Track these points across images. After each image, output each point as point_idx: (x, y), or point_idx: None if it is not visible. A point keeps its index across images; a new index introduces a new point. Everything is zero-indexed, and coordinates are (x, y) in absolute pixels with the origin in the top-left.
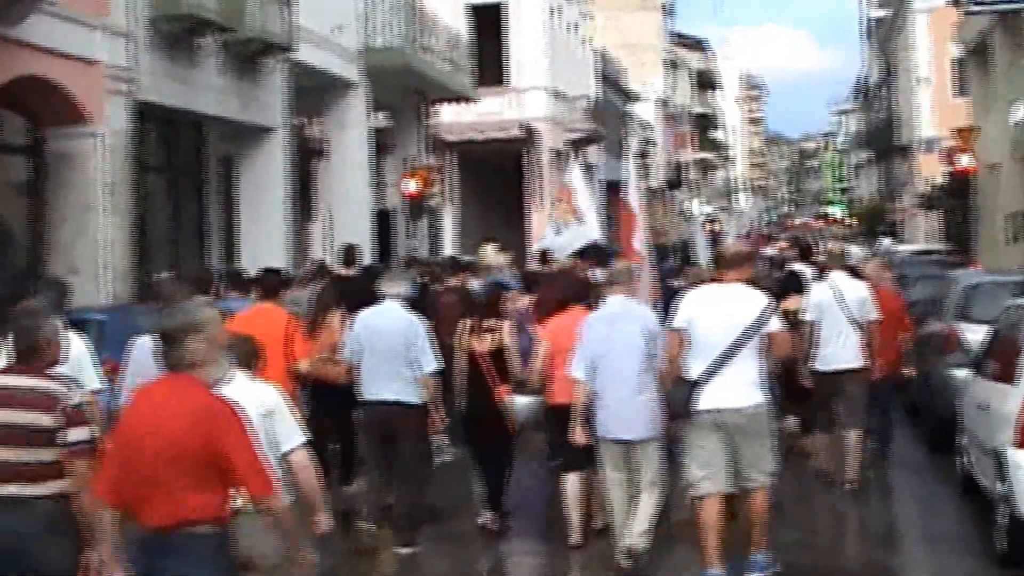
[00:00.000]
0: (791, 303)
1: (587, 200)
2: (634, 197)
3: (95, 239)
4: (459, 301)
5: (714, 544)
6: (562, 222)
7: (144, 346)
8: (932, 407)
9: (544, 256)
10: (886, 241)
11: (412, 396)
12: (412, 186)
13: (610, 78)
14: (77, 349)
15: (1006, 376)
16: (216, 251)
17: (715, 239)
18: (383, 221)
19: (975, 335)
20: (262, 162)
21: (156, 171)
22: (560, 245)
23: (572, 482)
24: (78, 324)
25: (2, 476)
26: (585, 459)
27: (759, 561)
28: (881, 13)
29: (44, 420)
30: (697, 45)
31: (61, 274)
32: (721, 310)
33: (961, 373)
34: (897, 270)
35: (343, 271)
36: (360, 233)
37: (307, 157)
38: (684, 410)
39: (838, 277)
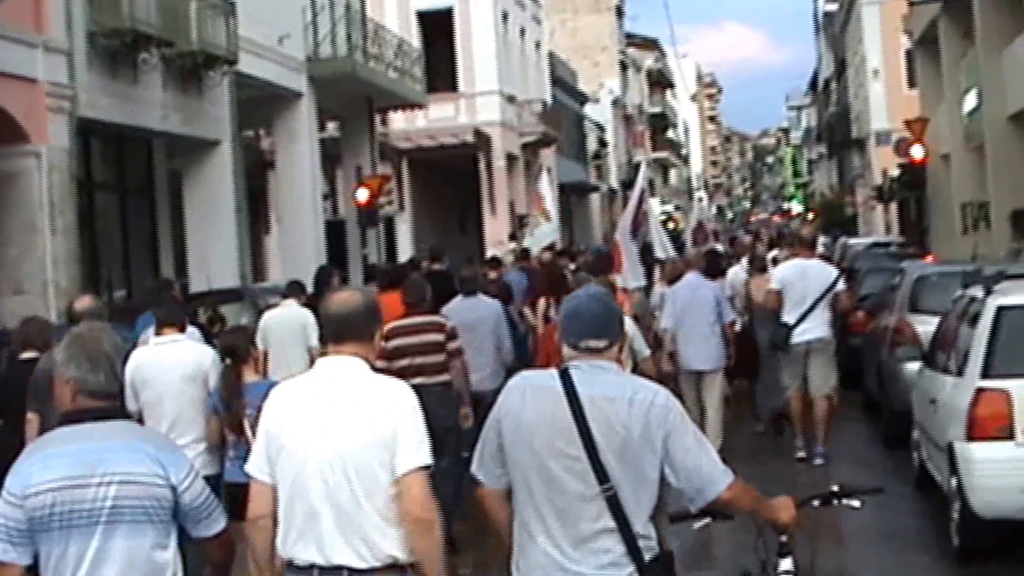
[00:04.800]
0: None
1: (552, 204)
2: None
3: (41, 258)
4: (501, 291)
5: (797, 421)
6: (535, 223)
7: None
8: (886, 401)
9: (524, 253)
10: (843, 239)
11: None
12: (363, 195)
13: (562, 81)
14: None
15: (955, 369)
16: (168, 266)
17: (676, 237)
18: (337, 231)
19: (926, 327)
20: (211, 175)
21: (104, 188)
22: (533, 243)
23: None
24: None
25: (420, 372)
26: None
27: (821, 451)
28: (833, 7)
29: (439, 337)
30: (651, 45)
31: (7, 294)
32: (806, 276)
33: (913, 366)
34: (849, 263)
35: (435, 266)
36: (311, 243)
37: (260, 169)
38: (784, 344)
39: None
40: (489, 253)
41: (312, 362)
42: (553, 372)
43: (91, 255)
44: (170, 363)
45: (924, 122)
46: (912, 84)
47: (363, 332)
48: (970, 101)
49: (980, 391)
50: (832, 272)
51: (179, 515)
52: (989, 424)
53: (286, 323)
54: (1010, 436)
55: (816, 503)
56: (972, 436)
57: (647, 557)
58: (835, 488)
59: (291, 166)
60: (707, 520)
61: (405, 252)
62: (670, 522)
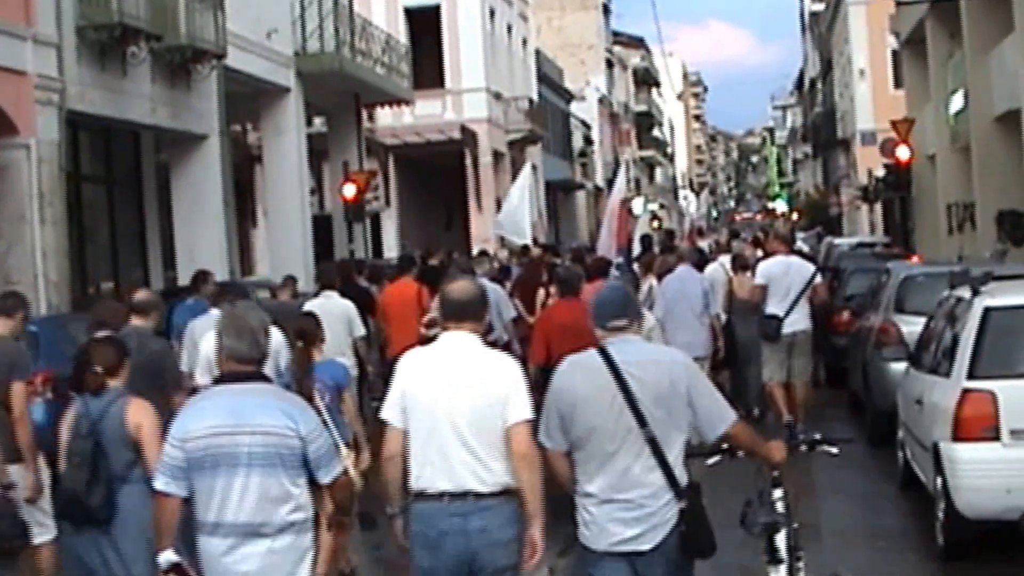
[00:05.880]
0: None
1: (514, 193)
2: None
3: (30, 250)
4: (498, 277)
5: (780, 406)
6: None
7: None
8: (871, 401)
9: (525, 248)
10: (827, 238)
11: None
12: (350, 191)
13: (548, 78)
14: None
15: (941, 369)
16: (155, 259)
17: (669, 235)
18: (324, 226)
19: (911, 327)
20: (198, 169)
21: (92, 181)
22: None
23: None
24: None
25: None
26: None
27: (801, 427)
28: (819, 7)
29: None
30: (637, 43)
31: None
32: (789, 271)
33: (898, 366)
34: (834, 263)
35: (432, 260)
36: (298, 238)
37: (247, 164)
38: (775, 335)
39: (723, 260)
40: (475, 250)
41: (356, 352)
42: (594, 352)
43: (79, 247)
44: None
45: (910, 123)
46: (898, 85)
47: (477, 314)
48: (956, 102)
49: (966, 392)
50: (810, 268)
51: (307, 462)
52: (975, 425)
53: (327, 314)
54: (996, 437)
55: (803, 448)
56: (958, 436)
57: (681, 485)
58: (817, 437)
59: (278, 161)
60: (717, 458)
61: (391, 248)
62: (687, 458)
